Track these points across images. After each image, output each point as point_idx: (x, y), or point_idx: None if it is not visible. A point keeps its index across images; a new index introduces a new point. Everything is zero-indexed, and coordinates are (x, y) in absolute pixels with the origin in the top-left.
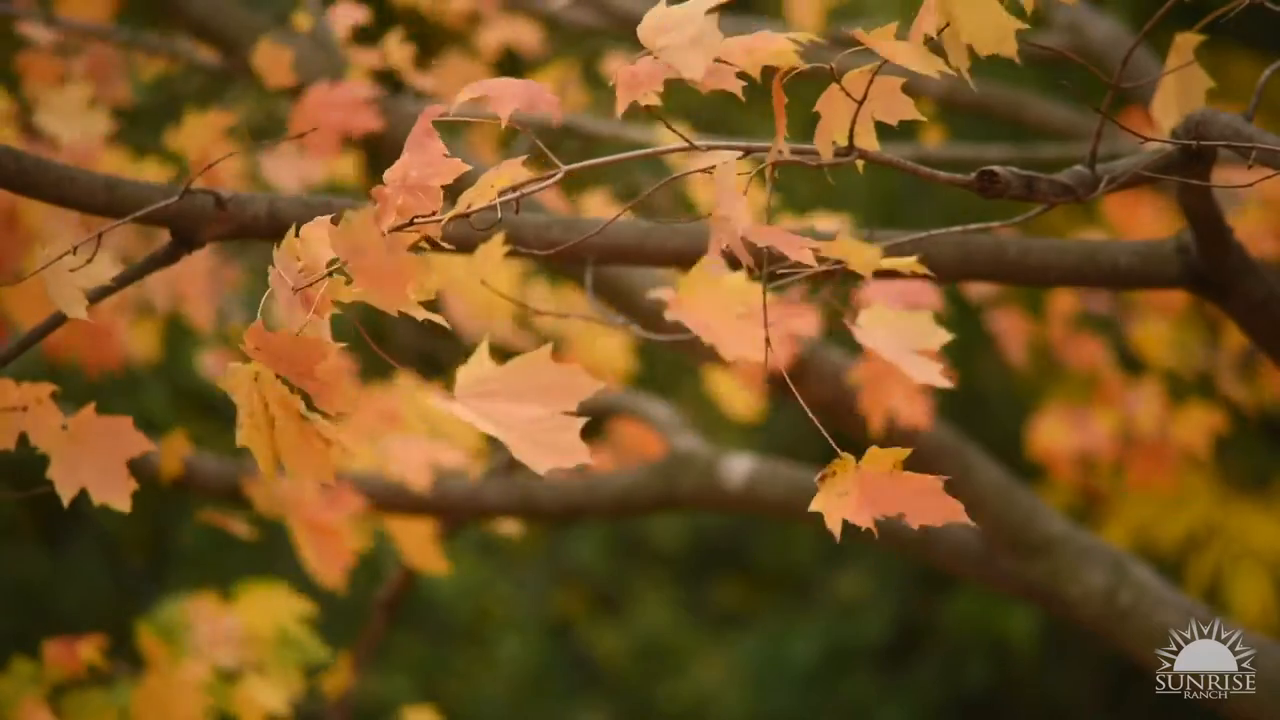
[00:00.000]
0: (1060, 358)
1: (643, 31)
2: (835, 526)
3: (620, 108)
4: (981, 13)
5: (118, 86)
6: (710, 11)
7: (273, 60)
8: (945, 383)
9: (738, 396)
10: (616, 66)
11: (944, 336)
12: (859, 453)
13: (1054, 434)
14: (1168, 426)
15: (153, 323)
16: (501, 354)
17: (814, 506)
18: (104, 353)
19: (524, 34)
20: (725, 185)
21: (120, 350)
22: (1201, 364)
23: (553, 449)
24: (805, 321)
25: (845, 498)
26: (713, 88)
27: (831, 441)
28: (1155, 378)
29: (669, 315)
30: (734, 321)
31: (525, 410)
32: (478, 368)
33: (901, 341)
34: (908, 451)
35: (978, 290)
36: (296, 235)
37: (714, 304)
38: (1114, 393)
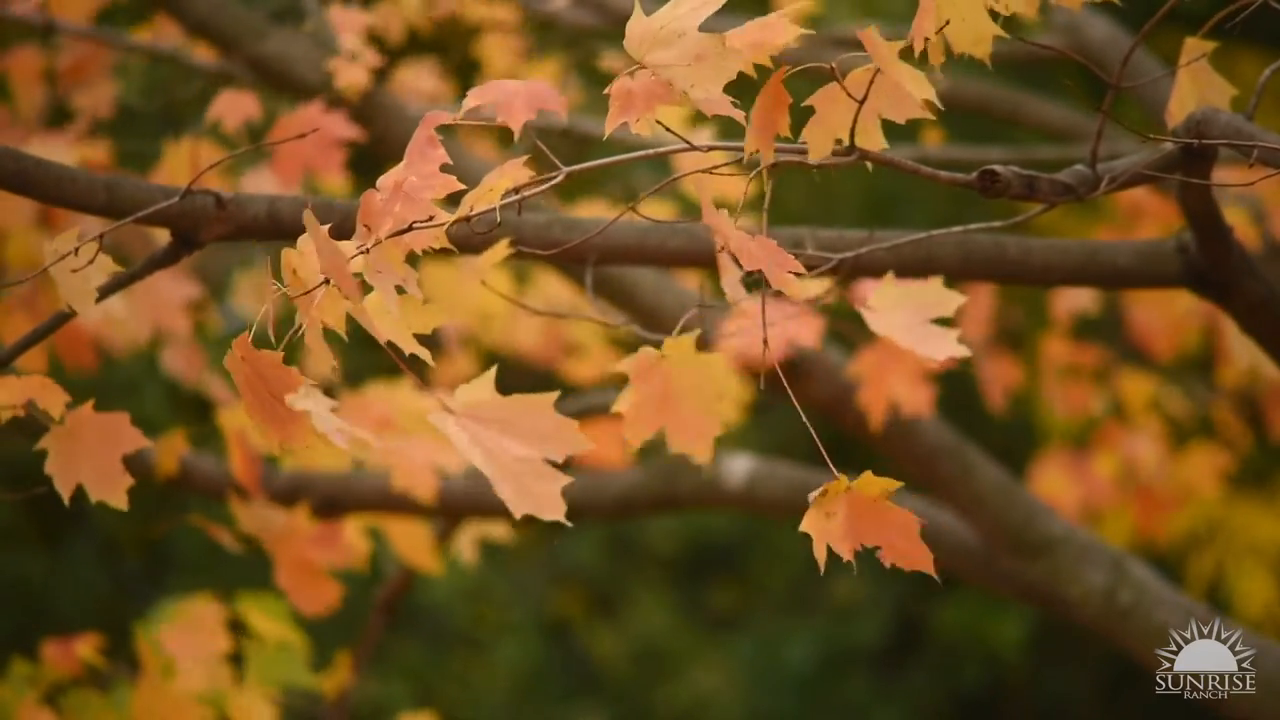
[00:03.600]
0: (1053, 406)
1: (630, 43)
2: (821, 553)
3: (610, 126)
4: (966, 12)
5: (102, 89)
6: (702, 26)
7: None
8: (965, 351)
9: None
10: (614, 77)
11: (959, 299)
12: (854, 453)
13: (1055, 482)
14: (1170, 469)
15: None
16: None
17: (804, 527)
18: (81, 354)
19: (513, 38)
20: (707, 203)
21: (95, 351)
22: (1199, 406)
23: (532, 496)
24: (806, 326)
25: (833, 520)
26: (715, 112)
27: (823, 451)
28: (1156, 420)
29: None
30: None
31: (514, 448)
32: (479, 391)
33: (916, 314)
34: (898, 484)
35: (970, 335)
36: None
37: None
38: (1114, 436)
